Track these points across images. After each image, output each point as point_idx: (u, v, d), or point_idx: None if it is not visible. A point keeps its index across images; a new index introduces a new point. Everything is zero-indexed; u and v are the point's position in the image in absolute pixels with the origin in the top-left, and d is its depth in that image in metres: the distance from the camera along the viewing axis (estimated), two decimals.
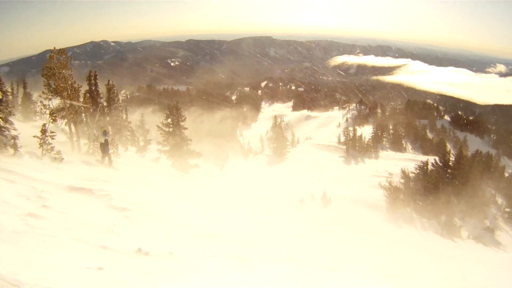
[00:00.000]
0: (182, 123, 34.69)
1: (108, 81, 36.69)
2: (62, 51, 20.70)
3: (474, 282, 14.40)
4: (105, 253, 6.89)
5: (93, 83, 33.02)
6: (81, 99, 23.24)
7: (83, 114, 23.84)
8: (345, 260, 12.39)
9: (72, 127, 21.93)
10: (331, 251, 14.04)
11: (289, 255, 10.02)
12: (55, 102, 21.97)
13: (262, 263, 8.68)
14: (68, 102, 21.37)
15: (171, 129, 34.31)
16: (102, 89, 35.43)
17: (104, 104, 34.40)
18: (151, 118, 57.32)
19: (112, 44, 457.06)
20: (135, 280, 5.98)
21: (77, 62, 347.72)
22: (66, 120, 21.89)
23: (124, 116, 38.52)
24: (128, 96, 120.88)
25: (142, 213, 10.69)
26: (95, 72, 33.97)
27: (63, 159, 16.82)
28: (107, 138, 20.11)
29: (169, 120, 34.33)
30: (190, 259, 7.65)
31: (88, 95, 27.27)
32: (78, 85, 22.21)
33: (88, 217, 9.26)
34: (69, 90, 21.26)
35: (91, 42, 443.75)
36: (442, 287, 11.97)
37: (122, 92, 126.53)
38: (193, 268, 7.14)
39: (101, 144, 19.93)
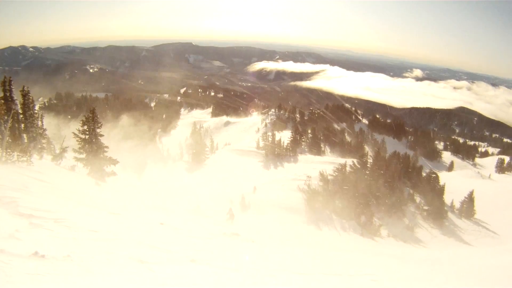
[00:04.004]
0: (98, 130, 34.17)
1: (23, 87, 35.49)
2: None
3: (400, 277, 14.76)
4: None
5: (7, 89, 32.04)
6: None
7: None
8: (254, 261, 12.55)
9: None
10: (240, 253, 14.22)
11: (193, 256, 10.14)
12: None
13: (163, 264, 8.83)
14: None
15: (87, 136, 33.71)
16: (17, 95, 34.40)
17: (19, 111, 33.41)
18: (68, 126, 56.13)
19: (31, 49, 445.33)
20: (24, 280, 6.00)
21: None
22: None
23: (40, 123, 37.39)
24: (46, 103, 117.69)
25: (49, 220, 10.48)
26: (10, 78, 32.96)
27: None
28: None
29: (85, 127, 33.71)
30: (88, 261, 7.68)
31: (2, 101, 26.60)
32: None
33: None
34: None
35: (10, 47, 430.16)
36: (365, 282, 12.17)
37: (40, 99, 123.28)
38: (89, 270, 7.19)
39: None
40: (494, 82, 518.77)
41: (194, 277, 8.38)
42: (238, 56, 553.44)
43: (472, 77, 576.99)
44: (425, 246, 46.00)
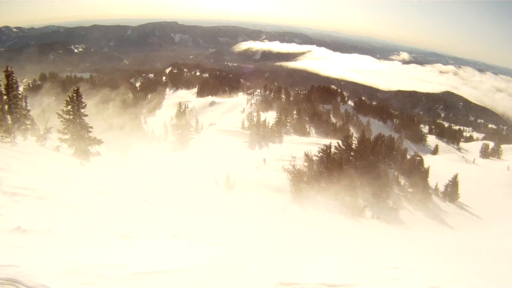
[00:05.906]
0: (82, 110, 33.73)
1: (7, 67, 35.04)
2: None
3: (380, 255, 14.86)
4: None
5: None
6: None
7: None
8: (235, 236, 12.59)
9: None
10: (222, 228, 14.26)
11: (176, 231, 10.23)
12: None
13: (145, 239, 8.95)
14: None
15: (71, 117, 33.35)
16: (1, 76, 34.05)
17: (3, 92, 33.10)
18: (53, 106, 55.59)
19: (15, 30, 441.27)
20: (6, 252, 6.04)
21: None
22: None
23: (24, 104, 36.99)
24: (30, 84, 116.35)
25: (32, 197, 10.51)
26: None
27: None
28: None
29: (69, 107, 33.34)
30: (69, 235, 7.76)
31: None
32: None
33: None
34: None
35: None
36: (346, 259, 12.24)
37: (24, 80, 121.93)
38: (69, 243, 7.29)
39: None
40: (481, 68, 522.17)
41: (175, 251, 8.49)
42: (224, 36, 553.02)
43: (459, 62, 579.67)
44: (408, 229, 46.18)
